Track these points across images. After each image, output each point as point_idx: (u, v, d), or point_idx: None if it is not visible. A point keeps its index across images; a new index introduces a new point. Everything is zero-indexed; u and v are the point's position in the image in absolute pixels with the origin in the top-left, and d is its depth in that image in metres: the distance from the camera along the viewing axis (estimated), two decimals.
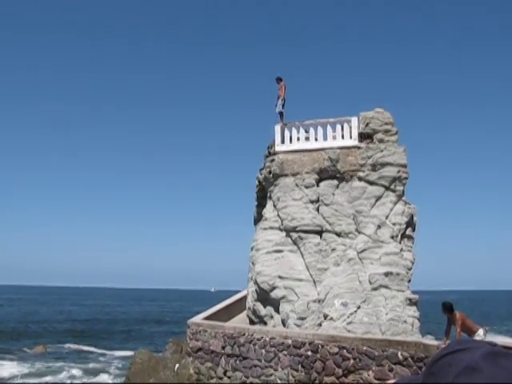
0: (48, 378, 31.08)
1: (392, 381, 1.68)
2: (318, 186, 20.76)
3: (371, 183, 20.26)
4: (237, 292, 25.91)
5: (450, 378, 1.40)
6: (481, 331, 14.36)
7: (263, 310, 20.38)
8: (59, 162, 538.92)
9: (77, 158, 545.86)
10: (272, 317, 20.01)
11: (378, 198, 20.12)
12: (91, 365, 36.94)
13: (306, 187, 20.65)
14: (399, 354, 14.87)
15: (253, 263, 21.25)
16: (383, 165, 20.19)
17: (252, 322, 20.96)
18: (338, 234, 20.03)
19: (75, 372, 33.47)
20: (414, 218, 20.68)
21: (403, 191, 20.46)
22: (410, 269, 19.44)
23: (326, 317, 18.58)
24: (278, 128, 21.83)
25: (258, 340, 18.22)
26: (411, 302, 18.67)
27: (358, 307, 18.47)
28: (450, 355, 1.46)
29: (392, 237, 19.61)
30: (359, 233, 19.83)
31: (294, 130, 21.68)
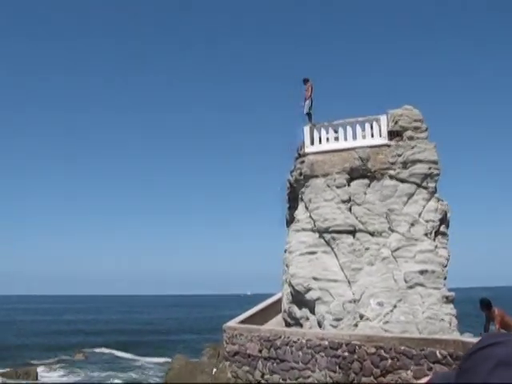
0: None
1: (425, 379, 1.67)
2: (349, 185, 20.68)
3: (402, 181, 20.12)
4: (272, 295, 25.90)
5: (484, 373, 1.38)
6: None
7: (299, 312, 20.33)
8: (61, 167, 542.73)
9: (77, 163, 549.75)
10: (308, 318, 19.96)
11: (410, 196, 19.97)
12: (130, 371, 37.47)
13: (338, 187, 20.58)
14: (437, 352, 14.70)
15: (287, 265, 21.23)
16: (414, 162, 20.03)
17: (288, 325, 20.93)
18: (371, 234, 19.92)
19: (118, 380, 34.05)
20: (448, 215, 20.47)
21: (435, 188, 20.27)
22: (445, 266, 19.24)
23: (361, 317, 18.47)
24: (306, 129, 21.82)
25: (295, 342, 18.18)
26: (448, 300, 18.46)
27: (394, 306, 18.32)
28: (483, 350, 1.44)
29: (426, 234, 19.43)
30: (392, 231, 19.69)
31: (323, 131, 21.65)
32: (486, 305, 14.30)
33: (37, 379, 25.40)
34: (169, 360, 30.29)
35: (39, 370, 30.55)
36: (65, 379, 34.40)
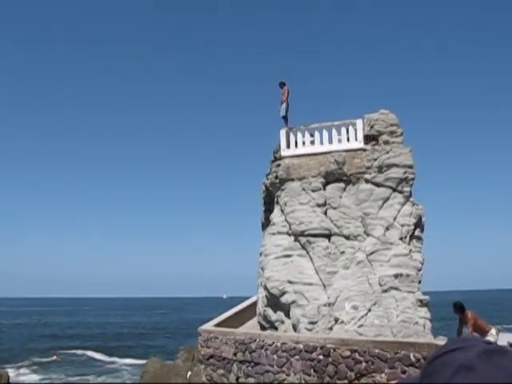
0: None
1: (393, 382, 1.70)
2: (324, 189, 20.75)
3: (378, 185, 20.22)
4: (248, 298, 25.88)
5: (445, 378, 1.41)
6: (493, 330, 14.28)
7: (274, 316, 20.34)
8: (60, 167, 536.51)
9: (77, 164, 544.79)
10: (283, 322, 19.97)
11: (386, 200, 20.08)
12: (104, 374, 37.23)
13: (313, 191, 20.63)
14: (411, 355, 14.80)
15: (262, 269, 21.23)
16: (389, 166, 20.15)
17: (263, 328, 20.92)
18: (347, 237, 19.99)
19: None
20: (422, 219, 20.61)
21: (410, 192, 20.40)
22: (419, 270, 19.36)
23: (336, 320, 18.52)
24: (283, 133, 21.84)
25: (270, 345, 18.18)
26: (422, 303, 18.57)
27: (369, 310, 18.40)
28: (446, 355, 1.47)
29: (401, 238, 19.55)
30: (368, 235, 19.78)
31: (300, 135, 21.69)
32: (459, 308, 14.41)
33: (8, 383, 25.11)
34: (144, 363, 30.17)
35: (11, 373, 30.13)
36: (42, 383, 34.08)
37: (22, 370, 37.95)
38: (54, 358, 44.47)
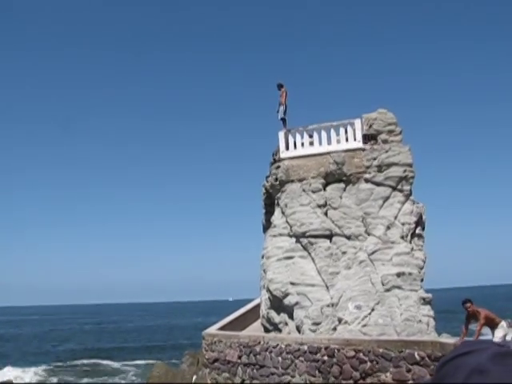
0: None
1: None
2: (324, 190, 20.74)
3: (378, 184, 20.23)
4: (254, 300, 25.86)
5: (458, 382, 1.40)
6: (504, 323, 14.27)
7: (277, 318, 20.33)
8: (63, 168, 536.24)
9: (75, 169, 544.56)
10: (286, 324, 19.97)
11: (386, 199, 20.08)
12: (110, 379, 37.35)
13: (313, 192, 20.63)
14: (416, 354, 14.77)
15: (264, 271, 21.23)
16: (389, 165, 20.16)
17: (267, 330, 20.92)
18: (348, 237, 19.99)
19: None
20: (423, 217, 20.62)
21: (410, 190, 20.41)
22: (421, 268, 19.37)
23: (340, 321, 18.53)
24: (281, 135, 21.83)
25: (274, 348, 18.18)
26: (425, 302, 18.59)
27: (372, 309, 18.41)
28: (458, 358, 1.45)
29: (402, 237, 19.55)
30: (369, 235, 19.79)
31: (298, 136, 21.68)
32: (469, 304, 14.34)
33: None
34: (150, 366, 30.26)
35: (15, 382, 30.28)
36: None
37: (26, 377, 38.10)
38: (59, 364, 44.39)
